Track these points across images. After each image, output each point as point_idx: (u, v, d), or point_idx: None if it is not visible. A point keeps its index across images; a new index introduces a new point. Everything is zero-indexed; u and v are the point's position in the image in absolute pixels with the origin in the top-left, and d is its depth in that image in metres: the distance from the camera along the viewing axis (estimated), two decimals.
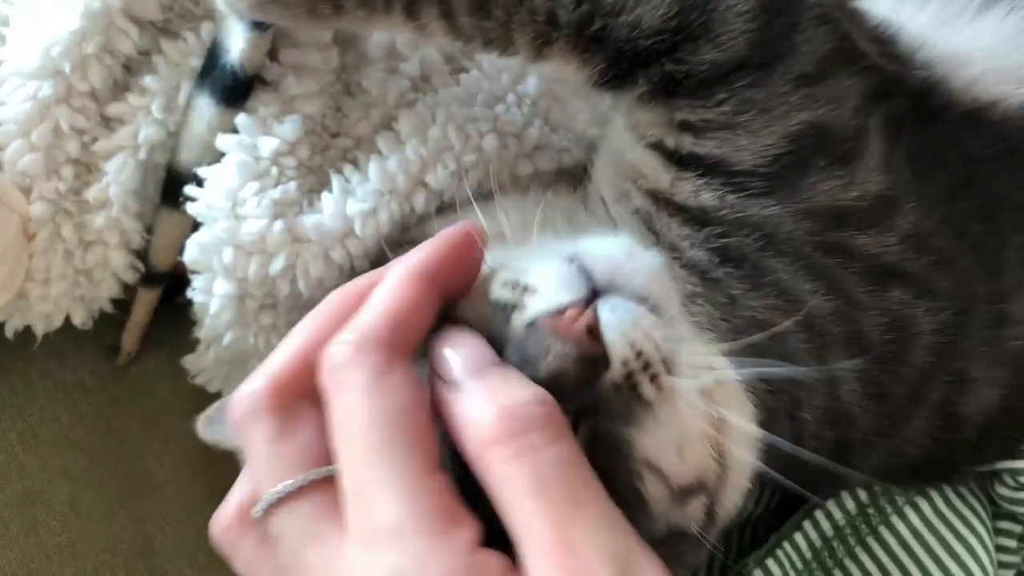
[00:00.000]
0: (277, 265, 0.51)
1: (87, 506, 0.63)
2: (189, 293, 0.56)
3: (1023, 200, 0.55)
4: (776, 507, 0.65)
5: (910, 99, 0.54)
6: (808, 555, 0.60)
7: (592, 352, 0.42)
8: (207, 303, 0.54)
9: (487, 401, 0.38)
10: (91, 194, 0.57)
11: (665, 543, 0.49)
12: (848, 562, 0.60)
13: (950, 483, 0.61)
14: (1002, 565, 0.61)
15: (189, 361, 0.62)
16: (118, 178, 0.57)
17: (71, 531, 0.62)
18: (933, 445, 0.55)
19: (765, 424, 0.51)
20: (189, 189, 0.55)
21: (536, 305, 0.43)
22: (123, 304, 0.64)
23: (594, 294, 0.44)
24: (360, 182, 0.52)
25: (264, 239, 0.51)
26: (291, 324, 0.45)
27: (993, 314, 0.53)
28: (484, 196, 0.54)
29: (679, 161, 0.51)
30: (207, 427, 0.53)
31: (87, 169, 0.58)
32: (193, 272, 0.55)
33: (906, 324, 0.51)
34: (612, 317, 0.43)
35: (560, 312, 0.42)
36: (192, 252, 0.53)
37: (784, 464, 0.54)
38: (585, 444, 0.43)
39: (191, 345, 0.63)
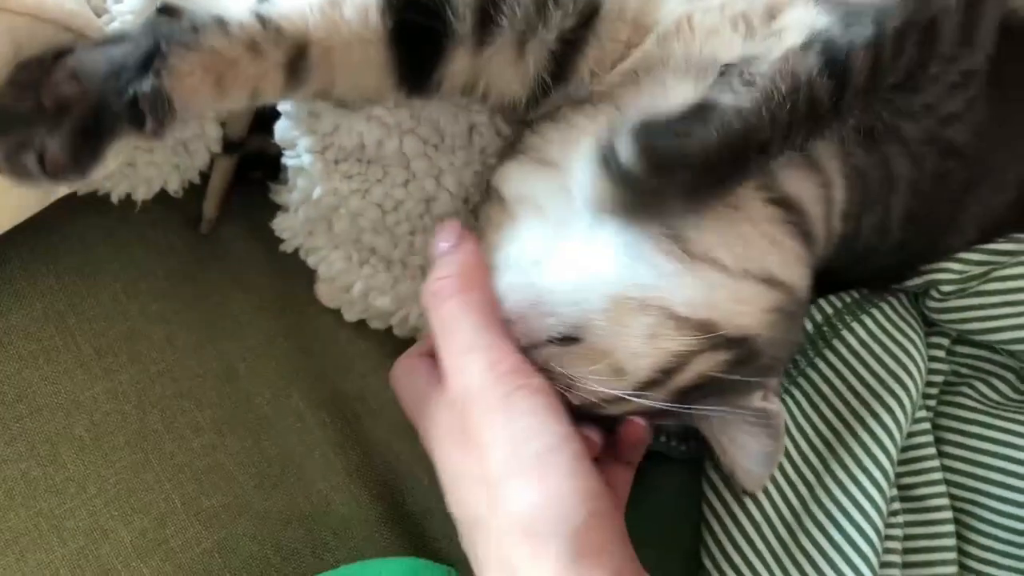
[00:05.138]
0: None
1: (180, 342, 0.72)
2: (284, 159, 0.68)
3: None
4: None
5: None
6: None
7: None
8: (300, 164, 0.67)
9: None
10: None
11: None
12: (809, 370, 0.73)
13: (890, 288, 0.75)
14: (933, 372, 0.74)
15: (278, 223, 0.73)
16: None
17: (168, 361, 0.71)
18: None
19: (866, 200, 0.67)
20: None
21: None
22: (206, 178, 0.75)
23: None
24: None
25: None
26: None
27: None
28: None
29: None
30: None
31: None
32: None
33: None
34: None
35: None
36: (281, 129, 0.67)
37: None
38: None
39: (265, 214, 0.75)
